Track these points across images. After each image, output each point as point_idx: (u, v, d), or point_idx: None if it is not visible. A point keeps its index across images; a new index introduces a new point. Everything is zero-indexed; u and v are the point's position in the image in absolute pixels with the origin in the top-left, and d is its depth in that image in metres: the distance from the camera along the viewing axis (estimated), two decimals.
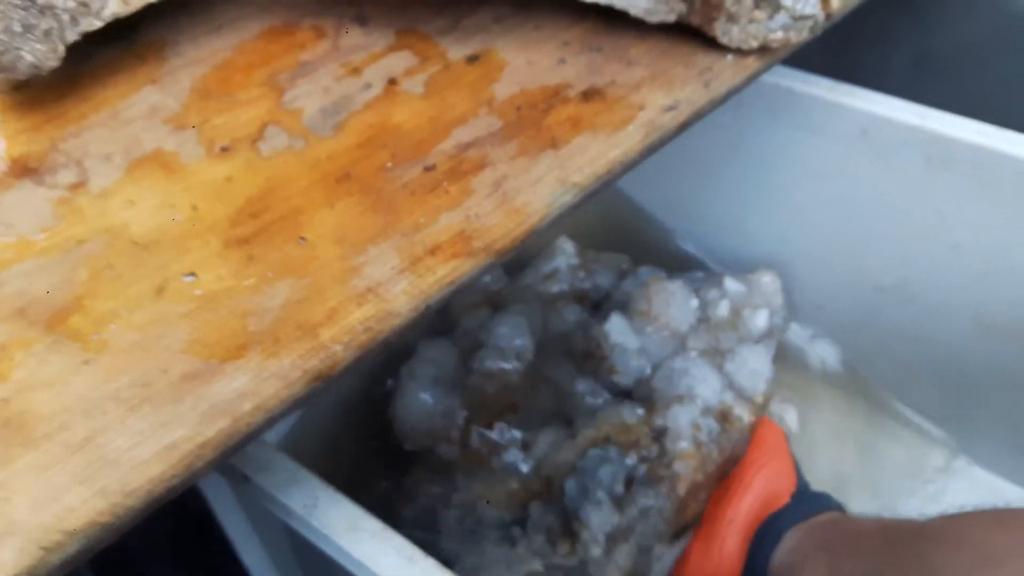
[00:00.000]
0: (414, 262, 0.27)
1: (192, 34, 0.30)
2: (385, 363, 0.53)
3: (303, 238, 0.27)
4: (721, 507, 0.45)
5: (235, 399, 0.23)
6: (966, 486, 0.61)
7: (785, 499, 0.44)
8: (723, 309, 0.56)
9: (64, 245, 0.25)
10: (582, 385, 0.52)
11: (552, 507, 0.46)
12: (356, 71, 0.31)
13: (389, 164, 0.29)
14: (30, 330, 0.23)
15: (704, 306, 0.56)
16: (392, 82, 0.32)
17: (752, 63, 0.37)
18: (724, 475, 0.47)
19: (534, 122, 0.32)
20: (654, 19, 0.35)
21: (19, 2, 0.25)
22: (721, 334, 0.54)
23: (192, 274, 0.25)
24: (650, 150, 0.34)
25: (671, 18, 0.35)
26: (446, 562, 0.29)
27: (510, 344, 0.51)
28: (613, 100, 0.34)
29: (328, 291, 0.26)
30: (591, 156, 0.32)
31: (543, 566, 0.45)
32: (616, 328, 0.53)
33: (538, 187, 0.30)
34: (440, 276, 0.27)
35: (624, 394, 0.52)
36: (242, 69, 0.30)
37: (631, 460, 0.47)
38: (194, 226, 0.26)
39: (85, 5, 0.26)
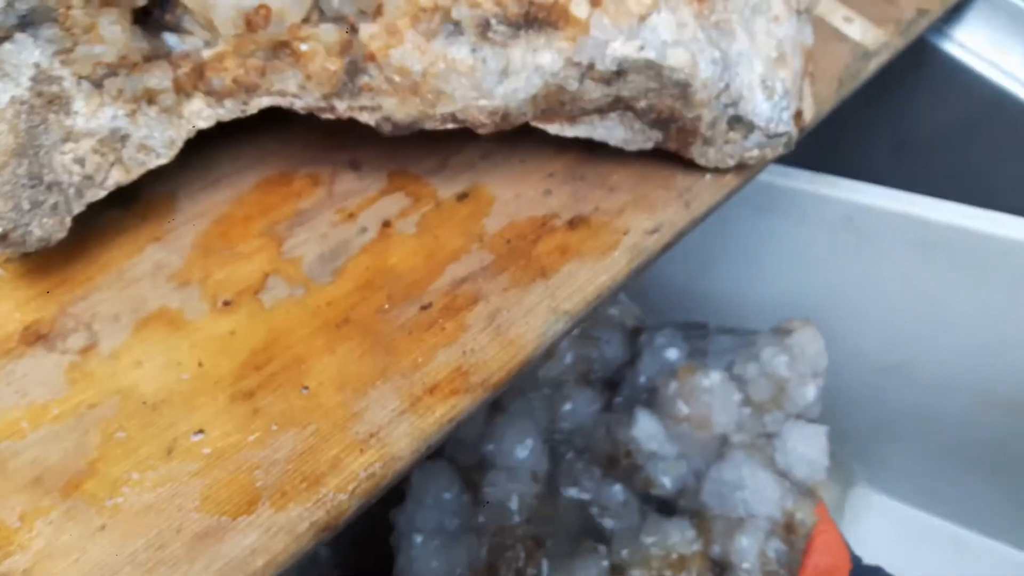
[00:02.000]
0: (414, 403, 0.28)
1: (191, 190, 0.32)
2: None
3: (306, 387, 0.27)
4: None
5: (247, 556, 0.24)
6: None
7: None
8: (766, 389, 0.49)
9: (76, 410, 0.26)
10: (613, 494, 0.46)
11: None
12: (351, 216, 0.33)
13: (386, 306, 0.30)
14: (46, 498, 0.24)
15: (743, 385, 0.50)
16: (386, 224, 0.33)
17: (731, 180, 0.39)
18: None
19: (524, 253, 0.34)
20: (632, 147, 0.37)
21: (27, 181, 0.26)
22: (766, 416, 0.49)
23: (200, 431, 0.26)
24: (637, 272, 0.35)
25: (648, 145, 0.37)
26: None
27: (519, 461, 0.46)
28: (598, 227, 0.35)
29: (331, 439, 0.26)
30: (580, 283, 0.33)
31: None
32: (647, 433, 0.47)
33: (530, 317, 0.31)
34: (440, 415, 0.28)
35: (663, 503, 0.47)
36: (241, 222, 0.31)
37: None
38: (201, 382, 0.27)
39: (89, 178, 0.28)
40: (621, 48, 0.33)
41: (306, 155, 0.34)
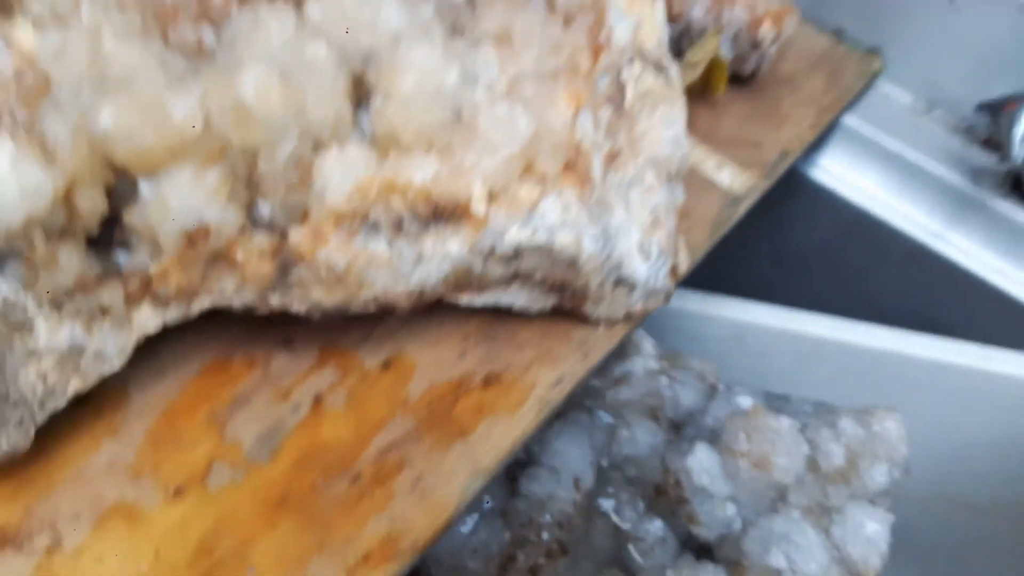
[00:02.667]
0: (349, 573, 0.32)
1: (140, 382, 0.35)
2: None
3: (252, 567, 0.31)
4: None
5: None
6: None
7: None
8: (837, 457, 0.47)
9: None
10: (651, 529, 0.45)
11: None
12: (286, 395, 0.37)
13: (320, 481, 0.34)
14: None
15: (812, 448, 0.47)
16: (318, 400, 0.37)
17: (620, 329, 0.44)
18: None
19: (444, 415, 0.38)
20: (535, 309, 0.42)
21: None
22: (830, 487, 0.46)
23: None
24: (544, 424, 0.40)
25: (548, 306, 0.42)
26: None
27: (567, 466, 0.45)
28: (509, 383, 0.40)
29: None
30: (496, 440, 0.38)
31: None
32: (702, 465, 0.45)
33: (452, 479, 0.36)
34: None
35: (702, 548, 0.45)
36: (186, 411, 0.35)
37: None
38: (158, 572, 0.30)
39: (51, 391, 0.31)
40: (516, 235, 0.38)
41: (242, 337, 0.38)
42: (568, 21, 0.44)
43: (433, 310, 0.41)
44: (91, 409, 0.34)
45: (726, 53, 0.58)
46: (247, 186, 0.35)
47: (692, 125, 0.57)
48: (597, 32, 0.44)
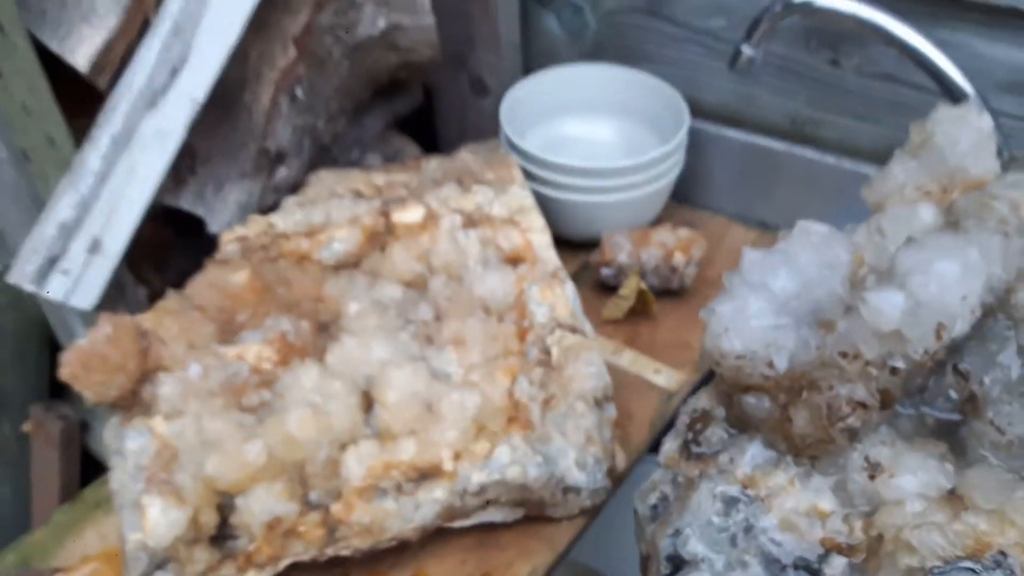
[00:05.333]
0: None
1: None
2: None
3: None
4: None
5: None
6: None
7: None
8: None
9: None
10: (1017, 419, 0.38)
11: None
12: None
13: None
14: None
15: None
16: None
17: (580, 520, 0.62)
18: None
19: None
20: (510, 520, 0.61)
21: None
22: None
23: None
24: None
25: (520, 516, 0.61)
26: None
27: (936, 291, 0.40)
28: None
29: None
30: None
31: None
32: None
33: None
34: None
35: None
36: None
37: None
38: None
39: None
40: (478, 477, 0.58)
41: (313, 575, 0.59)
42: (500, 318, 0.65)
43: (440, 535, 0.60)
44: None
45: (649, 283, 0.77)
46: (300, 484, 0.56)
47: (635, 340, 0.76)
48: (522, 320, 0.65)
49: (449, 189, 0.71)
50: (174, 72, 0.65)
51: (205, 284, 0.63)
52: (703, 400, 0.49)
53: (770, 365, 0.43)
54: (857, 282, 0.45)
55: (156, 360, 0.58)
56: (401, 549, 0.59)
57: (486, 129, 0.92)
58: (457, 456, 0.58)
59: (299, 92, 0.77)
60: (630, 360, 0.74)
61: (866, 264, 0.47)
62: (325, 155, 0.80)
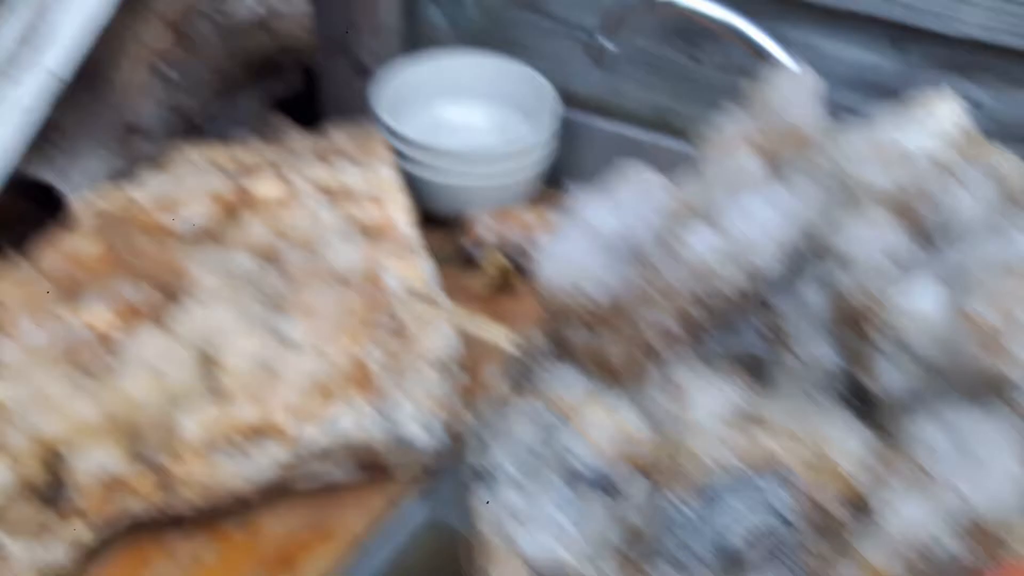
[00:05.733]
0: None
1: (95, 571, 0.57)
2: None
3: None
4: None
5: None
6: None
7: None
8: None
9: None
10: (816, 353, 0.41)
11: None
12: (178, 561, 0.58)
13: None
14: None
15: None
16: (197, 560, 0.58)
17: (422, 479, 0.64)
18: None
19: (286, 560, 0.58)
20: (353, 480, 0.63)
21: None
22: None
23: None
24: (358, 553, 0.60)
25: (363, 477, 0.63)
26: None
27: (748, 232, 0.41)
28: (333, 531, 0.60)
29: None
30: (318, 570, 0.58)
31: None
32: (922, 312, 0.35)
33: None
34: None
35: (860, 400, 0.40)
36: None
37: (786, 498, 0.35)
38: None
39: None
40: (318, 438, 0.59)
41: (156, 532, 0.60)
42: (354, 289, 0.67)
43: (283, 493, 0.62)
44: None
45: (513, 259, 0.80)
46: (136, 442, 0.57)
47: (496, 313, 0.79)
48: (375, 291, 0.67)
49: (312, 164, 0.73)
50: (37, 49, 0.66)
51: (53, 251, 0.64)
52: (533, 334, 0.50)
53: (589, 298, 0.45)
54: (679, 224, 0.46)
55: None
56: (243, 507, 0.61)
57: (369, 111, 0.94)
58: (296, 417, 0.60)
59: (170, 71, 0.78)
60: (488, 331, 0.77)
61: (690, 208, 0.48)
62: (196, 132, 0.81)
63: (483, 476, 0.45)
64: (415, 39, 0.98)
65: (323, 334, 0.64)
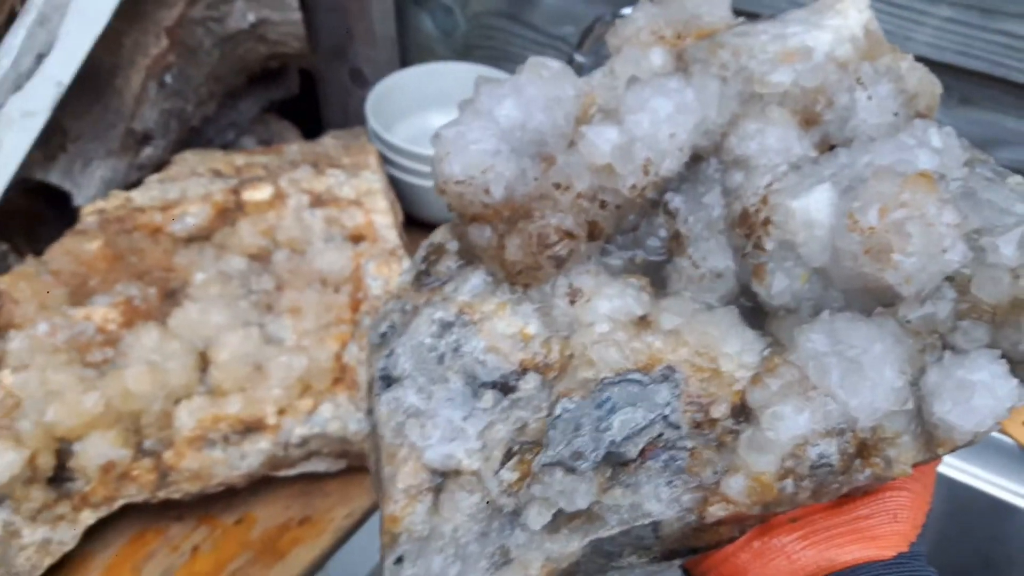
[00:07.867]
0: None
1: (93, 553, 0.62)
2: None
3: None
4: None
5: None
6: None
7: (887, 552, 0.36)
8: None
9: None
10: (711, 259, 0.41)
11: None
12: (176, 548, 0.63)
13: None
14: None
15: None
16: (195, 548, 0.63)
17: None
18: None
19: (272, 547, 0.63)
20: (334, 471, 0.68)
21: None
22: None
23: None
24: (334, 548, 0.65)
25: (344, 467, 0.68)
26: None
27: (649, 129, 0.40)
28: (316, 520, 0.65)
29: None
30: (303, 558, 0.63)
31: None
32: (810, 215, 0.36)
33: None
34: None
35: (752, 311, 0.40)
36: (118, 565, 0.61)
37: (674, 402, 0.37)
38: None
39: (35, 566, 0.58)
40: (300, 431, 0.65)
41: (152, 518, 0.65)
42: (336, 290, 0.72)
43: (268, 482, 0.67)
44: (61, 573, 0.61)
45: None
46: (135, 432, 0.63)
47: None
48: (357, 292, 0.72)
49: (303, 171, 0.78)
50: (39, 58, 0.71)
51: (61, 251, 0.69)
52: (439, 235, 0.48)
53: (487, 192, 0.42)
54: (585, 120, 0.45)
55: (8, 318, 0.64)
56: (231, 494, 0.66)
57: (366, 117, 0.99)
58: (281, 411, 0.65)
59: (168, 78, 0.82)
60: None
61: (596, 104, 0.46)
62: (197, 136, 0.86)
63: (388, 380, 0.44)
64: (410, 49, 1.03)
65: (308, 333, 0.69)
